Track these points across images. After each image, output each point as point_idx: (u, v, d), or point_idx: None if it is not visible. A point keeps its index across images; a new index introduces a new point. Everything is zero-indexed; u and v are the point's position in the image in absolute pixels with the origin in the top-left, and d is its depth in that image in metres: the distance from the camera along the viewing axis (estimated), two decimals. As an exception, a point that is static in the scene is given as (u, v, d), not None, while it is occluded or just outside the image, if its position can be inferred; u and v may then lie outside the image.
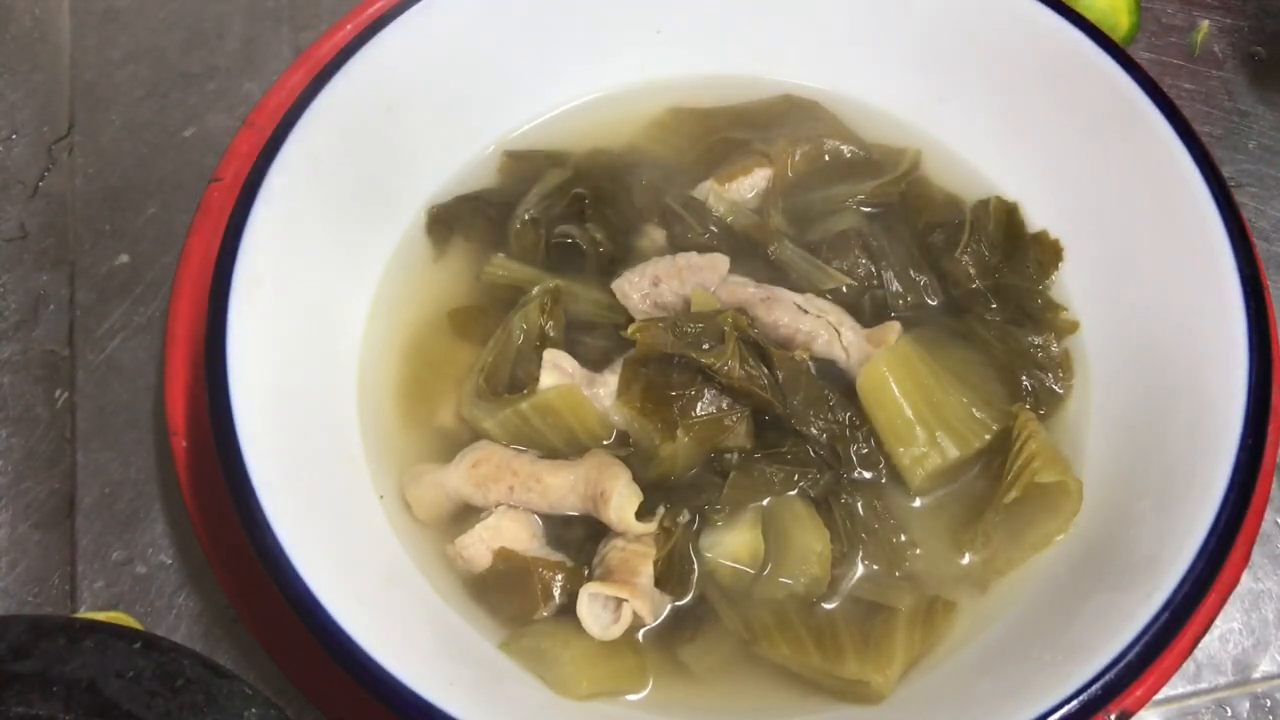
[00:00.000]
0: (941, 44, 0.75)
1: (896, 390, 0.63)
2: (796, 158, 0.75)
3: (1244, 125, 0.86)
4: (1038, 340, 0.68)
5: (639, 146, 0.77)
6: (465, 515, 0.64)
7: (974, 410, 0.64)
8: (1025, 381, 0.67)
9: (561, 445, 0.64)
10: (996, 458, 0.64)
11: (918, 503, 0.65)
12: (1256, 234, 0.69)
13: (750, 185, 0.74)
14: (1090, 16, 0.71)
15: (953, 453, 0.63)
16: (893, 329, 0.66)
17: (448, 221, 0.74)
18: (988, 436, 0.64)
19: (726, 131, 0.77)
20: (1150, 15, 0.89)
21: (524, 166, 0.76)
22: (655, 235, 0.73)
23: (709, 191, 0.73)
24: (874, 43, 0.77)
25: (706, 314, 0.64)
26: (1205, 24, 0.90)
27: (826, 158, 0.75)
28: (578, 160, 0.75)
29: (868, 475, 0.64)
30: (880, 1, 0.75)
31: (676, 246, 0.71)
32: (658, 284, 0.67)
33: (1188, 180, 0.64)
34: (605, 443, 0.65)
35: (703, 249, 0.70)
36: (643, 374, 0.64)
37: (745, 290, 0.67)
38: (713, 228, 0.72)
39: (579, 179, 0.73)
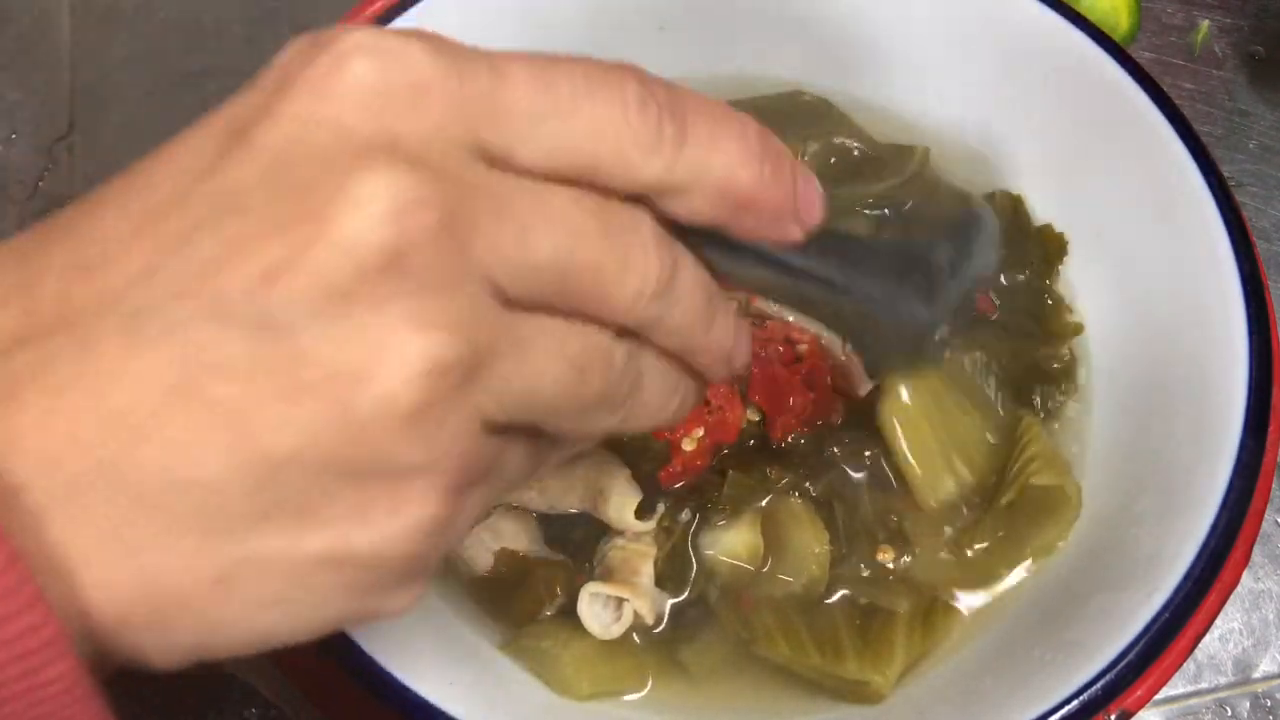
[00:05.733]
0: (940, 43, 0.75)
1: (919, 417, 0.63)
2: (805, 156, 0.75)
3: (1244, 125, 0.86)
4: (1048, 352, 0.68)
5: None
6: (464, 516, 0.63)
7: (986, 434, 0.64)
8: (1033, 393, 0.67)
9: None
10: (1001, 463, 0.64)
11: (917, 504, 0.64)
12: (1257, 234, 0.69)
13: (758, 181, 0.74)
14: (1091, 17, 0.71)
15: (969, 480, 0.63)
16: None
17: None
18: (995, 458, 0.64)
19: (736, 127, 0.77)
20: (1150, 15, 0.89)
21: None
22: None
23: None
24: (872, 41, 0.77)
25: None
26: (1205, 24, 0.90)
27: (836, 156, 0.75)
28: None
29: (867, 476, 0.64)
30: (880, 0, 0.76)
31: (681, 240, 0.71)
32: None
33: (1188, 180, 0.64)
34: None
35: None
36: None
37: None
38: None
39: None
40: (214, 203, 0.27)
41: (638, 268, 0.31)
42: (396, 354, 0.26)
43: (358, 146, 0.27)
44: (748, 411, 0.62)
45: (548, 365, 0.30)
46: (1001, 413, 0.66)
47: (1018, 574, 0.63)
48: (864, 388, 0.64)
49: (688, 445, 0.61)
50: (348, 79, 0.28)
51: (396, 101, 0.28)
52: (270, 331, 0.26)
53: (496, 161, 0.29)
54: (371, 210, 0.26)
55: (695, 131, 0.31)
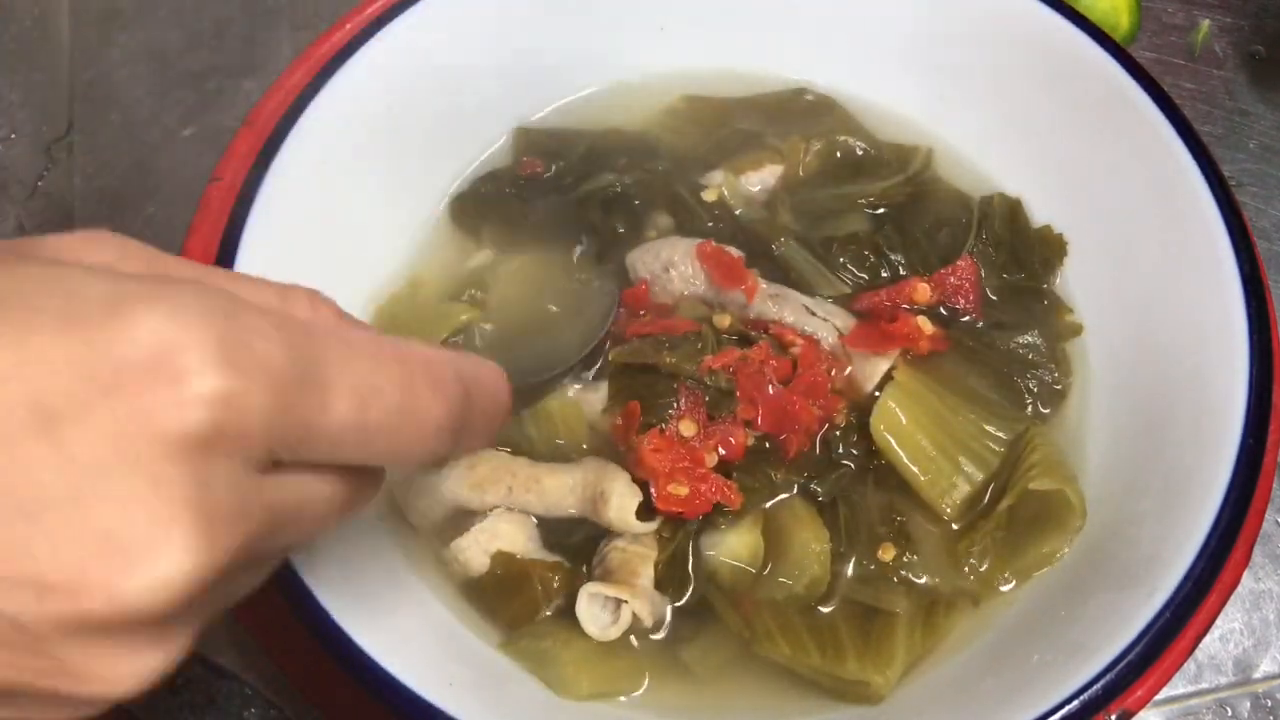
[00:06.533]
0: (942, 42, 0.75)
1: (912, 427, 0.63)
2: (808, 155, 0.74)
3: (1244, 125, 0.86)
4: (1024, 339, 0.68)
5: (651, 133, 0.77)
6: (460, 519, 0.63)
7: (986, 426, 0.64)
8: (1023, 384, 0.67)
9: (545, 451, 0.64)
10: (1007, 468, 0.64)
11: (917, 505, 0.64)
12: (1257, 233, 0.69)
13: (759, 180, 0.74)
14: (1091, 16, 0.71)
15: (979, 476, 0.63)
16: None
17: (470, 213, 0.74)
18: (1002, 450, 0.64)
19: (740, 123, 0.77)
20: (1150, 15, 0.89)
21: (537, 145, 0.76)
22: (662, 223, 0.72)
23: (719, 183, 0.73)
24: (873, 41, 0.77)
25: (691, 334, 0.64)
26: (1205, 23, 0.90)
27: (839, 155, 0.75)
28: (592, 140, 0.75)
29: (870, 474, 0.64)
30: (881, 1, 0.76)
31: (683, 235, 0.71)
32: (668, 269, 0.67)
33: (1188, 179, 0.64)
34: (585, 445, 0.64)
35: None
36: (629, 386, 0.63)
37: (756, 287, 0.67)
38: (720, 221, 0.71)
39: (593, 161, 0.73)
40: None
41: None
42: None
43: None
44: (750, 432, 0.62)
45: None
46: (999, 406, 0.66)
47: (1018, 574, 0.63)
48: (867, 386, 0.64)
49: (677, 491, 0.60)
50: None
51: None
52: None
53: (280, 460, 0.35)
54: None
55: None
